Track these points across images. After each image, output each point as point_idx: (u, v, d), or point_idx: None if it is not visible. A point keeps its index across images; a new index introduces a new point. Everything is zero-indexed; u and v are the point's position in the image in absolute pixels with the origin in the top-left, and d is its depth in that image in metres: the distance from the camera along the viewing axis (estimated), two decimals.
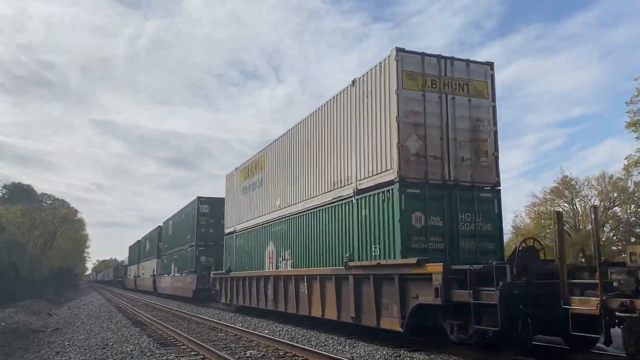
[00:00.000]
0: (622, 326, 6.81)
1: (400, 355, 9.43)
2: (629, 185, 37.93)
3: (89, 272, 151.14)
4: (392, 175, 10.70)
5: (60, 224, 57.30)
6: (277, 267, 17.01)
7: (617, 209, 41.97)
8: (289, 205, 16.11)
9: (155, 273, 42.41)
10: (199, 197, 29.70)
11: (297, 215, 15.46)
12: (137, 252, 56.63)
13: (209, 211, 29.56)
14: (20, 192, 59.45)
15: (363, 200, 11.81)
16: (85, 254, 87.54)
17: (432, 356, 9.31)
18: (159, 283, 40.33)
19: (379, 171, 11.25)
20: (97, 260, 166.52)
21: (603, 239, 44.81)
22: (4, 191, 59.39)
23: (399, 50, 10.88)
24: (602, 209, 45.07)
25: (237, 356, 9.82)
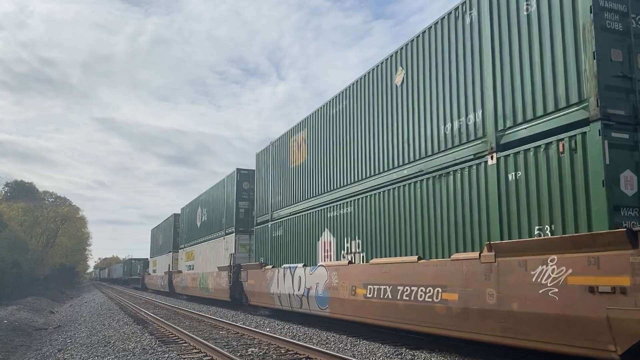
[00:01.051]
0: None
1: (402, 353, 9.44)
2: None
3: (90, 269, 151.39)
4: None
5: (62, 221, 57.35)
6: None
7: None
8: None
9: (233, 263, 21.58)
10: None
11: None
12: (171, 234, 37.26)
13: None
14: (22, 190, 59.49)
15: None
16: (87, 252, 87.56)
17: (433, 354, 9.31)
18: (263, 285, 17.80)
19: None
20: (99, 258, 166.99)
21: None
22: (6, 189, 59.45)
23: None
24: None
25: (238, 354, 9.84)
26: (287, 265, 16.12)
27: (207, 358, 9.82)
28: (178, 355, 10.06)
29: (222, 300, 23.15)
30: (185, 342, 11.87)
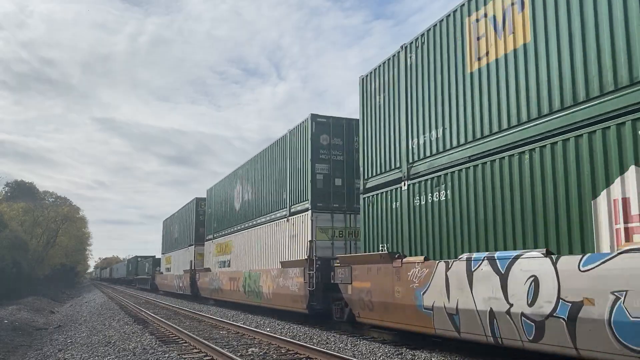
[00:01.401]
0: None
1: (402, 353, 9.45)
2: None
3: (91, 269, 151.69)
4: None
5: (62, 221, 57.42)
6: None
7: None
8: None
9: (315, 256, 14.34)
10: None
11: None
12: (192, 223, 31.15)
13: None
14: (22, 190, 59.56)
15: None
16: (87, 252, 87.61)
17: (433, 354, 9.32)
18: (400, 292, 9.98)
19: None
20: (100, 258, 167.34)
21: None
22: (6, 189, 59.51)
23: None
24: None
25: (239, 354, 9.84)
26: (480, 254, 8.31)
27: (207, 358, 9.82)
28: (178, 355, 10.07)
29: (291, 312, 15.94)
30: (186, 342, 11.87)
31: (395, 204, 11.06)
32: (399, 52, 11.37)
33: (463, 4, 9.52)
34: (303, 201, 15.75)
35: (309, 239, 14.82)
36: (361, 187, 12.62)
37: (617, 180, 6.47)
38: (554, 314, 6.86)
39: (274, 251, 17.86)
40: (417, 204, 10.37)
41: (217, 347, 10.16)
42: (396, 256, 10.42)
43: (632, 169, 6.28)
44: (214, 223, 26.70)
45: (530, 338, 7.23)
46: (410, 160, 10.68)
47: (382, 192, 11.57)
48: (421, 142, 10.40)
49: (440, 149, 9.80)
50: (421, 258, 9.74)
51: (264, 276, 18.09)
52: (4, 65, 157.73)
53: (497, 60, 8.60)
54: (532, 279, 7.26)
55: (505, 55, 8.42)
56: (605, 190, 6.65)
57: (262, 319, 16.95)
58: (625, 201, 6.36)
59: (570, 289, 6.67)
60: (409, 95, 10.89)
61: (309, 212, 15.11)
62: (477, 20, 9.14)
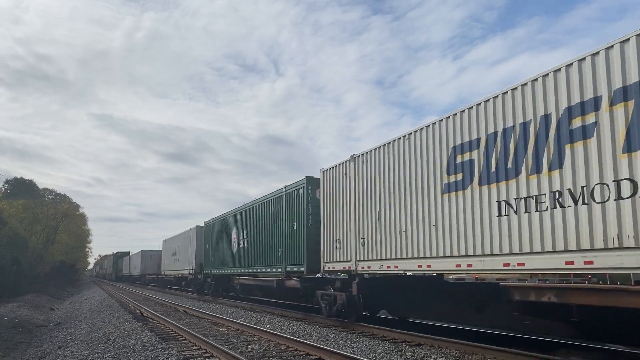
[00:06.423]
0: None
1: (402, 350, 9.46)
2: None
3: (90, 266, 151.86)
4: None
5: (62, 219, 57.37)
6: None
7: None
8: None
9: None
10: None
11: None
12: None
13: None
14: (22, 187, 59.50)
15: None
16: (87, 249, 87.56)
17: (432, 350, 9.33)
18: None
19: None
20: (99, 255, 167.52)
21: None
22: (6, 186, 59.48)
23: None
24: None
25: (238, 351, 9.85)
26: None
27: (207, 355, 9.83)
28: (178, 352, 10.07)
29: None
30: (186, 339, 11.88)
31: None
32: None
33: None
34: None
35: None
36: None
37: None
38: None
39: None
40: None
41: (216, 344, 10.17)
42: None
43: None
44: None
45: None
46: None
47: None
48: None
49: None
50: None
51: None
52: (0, 62, 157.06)
53: None
54: None
55: None
56: None
57: (262, 316, 16.96)
58: None
59: None
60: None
61: None
62: None
